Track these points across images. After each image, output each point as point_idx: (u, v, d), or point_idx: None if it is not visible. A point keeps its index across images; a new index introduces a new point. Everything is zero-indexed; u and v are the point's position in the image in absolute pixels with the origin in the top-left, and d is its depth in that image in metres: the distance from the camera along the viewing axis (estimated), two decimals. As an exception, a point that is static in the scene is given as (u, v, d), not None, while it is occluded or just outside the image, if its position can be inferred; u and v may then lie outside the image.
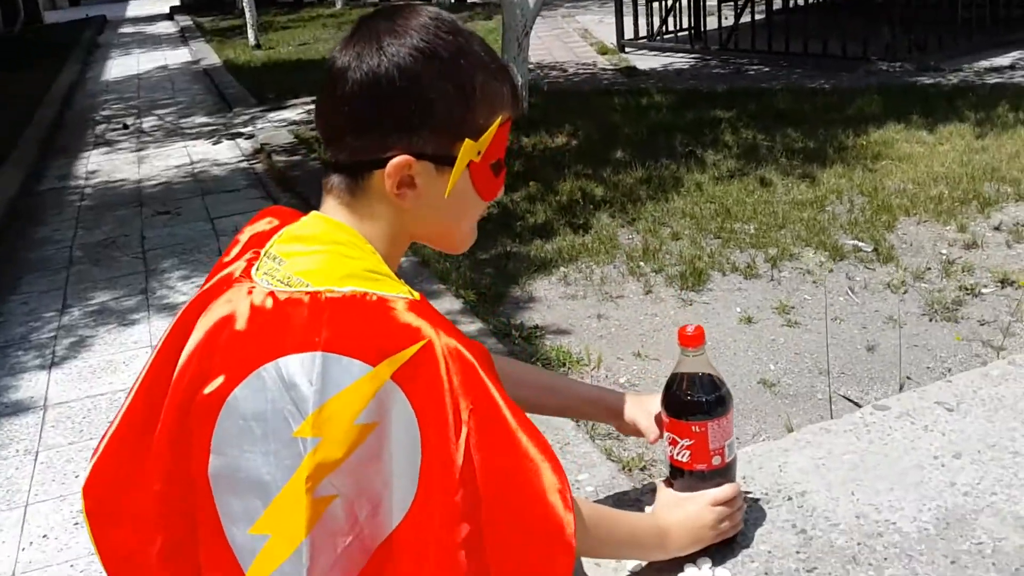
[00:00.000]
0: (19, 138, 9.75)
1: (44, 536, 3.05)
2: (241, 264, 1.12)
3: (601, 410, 1.55)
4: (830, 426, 1.89)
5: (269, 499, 0.97)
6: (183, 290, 5.22)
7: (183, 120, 10.56)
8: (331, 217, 1.10)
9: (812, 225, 5.13)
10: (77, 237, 6.47)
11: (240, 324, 1.02)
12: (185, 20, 22.14)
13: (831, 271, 4.60)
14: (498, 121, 1.12)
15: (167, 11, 25.65)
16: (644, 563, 1.39)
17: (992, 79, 8.32)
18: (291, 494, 0.96)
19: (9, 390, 4.17)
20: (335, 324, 0.96)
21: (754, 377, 3.69)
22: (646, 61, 11.07)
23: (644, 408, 1.52)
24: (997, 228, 4.89)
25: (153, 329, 4.71)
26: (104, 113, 11.62)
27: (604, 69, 10.87)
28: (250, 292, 1.04)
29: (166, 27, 22.18)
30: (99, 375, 4.25)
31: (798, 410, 3.44)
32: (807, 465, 1.70)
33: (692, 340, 1.45)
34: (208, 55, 15.40)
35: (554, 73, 10.69)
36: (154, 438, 1.07)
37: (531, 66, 8.48)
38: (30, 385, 4.21)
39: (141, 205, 7.13)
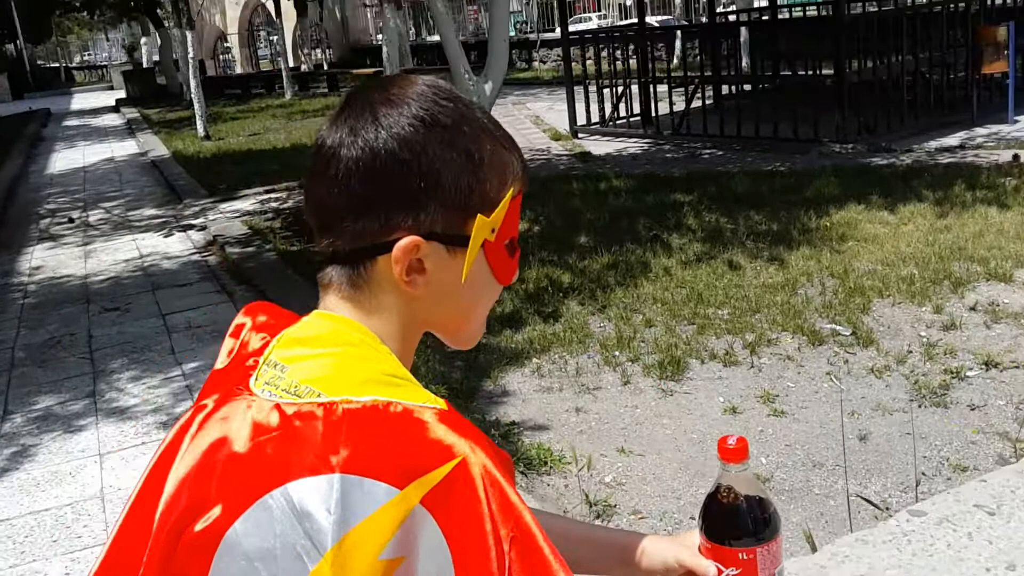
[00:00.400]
0: (-42, 234, 9.43)
1: None
2: (237, 375, 0.97)
3: (639, 558, 1.35)
4: (867, 536, 1.74)
5: None
6: (133, 392, 4.93)
7: (131, 212, 10.33)
8: (336, 314, 0.97)
9: (786, 309, 5.03)
10: (20, 337, 6.17)
11: (239, 445, 0.87)
12: (132, 112, 22.04)
13: (811, 356, 4.48)
14: (510, 194, 1.00)
15: (113, 103, 25.55)
16: None
17: (944, 159, 8.46)
18: None
19: (-58, 509, 3.84)
20: (355, 440, 0.83)
21: (746, 472, 3.51)
22: (600, 146, 11.14)
23: (684, 545, 1.33)
24: (973, 308, 4.84)
25: (101, 435, 4.41)
26: (49, 207, 11.35)
27: (559, 155, 10.90)
28: (250, 407, 0.89)
29: (112, 119, 22.04)
30: (43, 487, 3.94)
31: (797, 507, 3.26)
32: (852, 586, 1.52)
33: (735, 454, 1.28)
34: (156, 146, 15.26)
35: (510, 159, 10.66)
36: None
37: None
38: (-34, 503, 3.88)
39: (88, 302, 6.85)
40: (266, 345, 0.99)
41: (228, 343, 1.06)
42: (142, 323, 6.16)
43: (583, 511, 3.30)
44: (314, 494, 0.82)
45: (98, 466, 4.09)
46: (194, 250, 8.12)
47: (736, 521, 1.25)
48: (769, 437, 3.78)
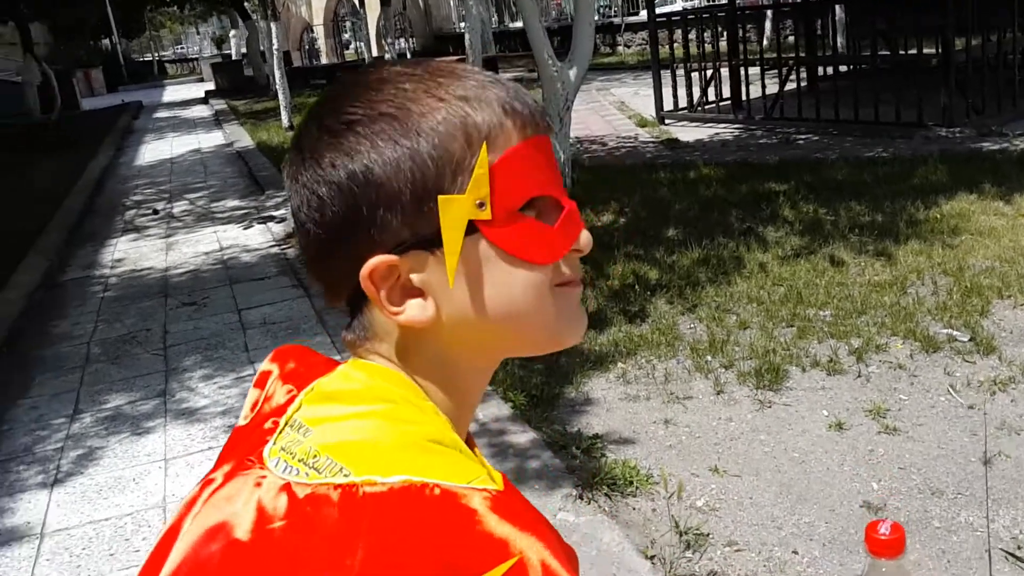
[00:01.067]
0: (47, 225, 9.55)
1: None
2: (254, 438, 0.77)
3: None
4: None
5: None
6: (204, 392, 4.79)
7: (214, 204, 10.33)
8: (374, 363, 0.77)
9: (896, 311, 4.61)
10: (97, 332, 6.12)
11: (241, 534, 0.67)
12: (219, 103, 22.36)
13: (925, 365, 4.07)
14: (485, 150, 0.73)
15: (202, 95, 26.01)
16: None
17: (1064, 143, 7.83)
18: None
19: (4, 513, 3.74)
20: (378, 537, 0.63)
21: (855, 499, 3.16)
22: (688, 132, 10.72)
23: None
24: (1109, 312, 4.35)
25: (168, 439, 4.27)
26: (135, 198, 11.45)
27: (645, 142, 10.52)
28: (259, 484, 0.70)
29: (201, 111, 22.38)
30: (105, 495, 3.80)
31: (914, 542, 2.90)
32: None
33: (889, 547, 0.98)
34: (242, 137, 15.36)
35: (594, 147, 10.35)
36: None
37: (571, 140, 8.11)
38: (28, 507, 3.77)
39: (166, 296, 6.79)
40: (292, 400, 0.78)
41: (252, 395, 0.86)
42: (218, 318, 6.05)
43: (672, 540, 2.99)
44: None
45: (162, 472, 3.94)
46: (273, 242, 8.02)
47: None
48: (880, 458, 3.40)
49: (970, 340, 4.23)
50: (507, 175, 0.72)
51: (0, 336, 6.05)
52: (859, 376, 4.04)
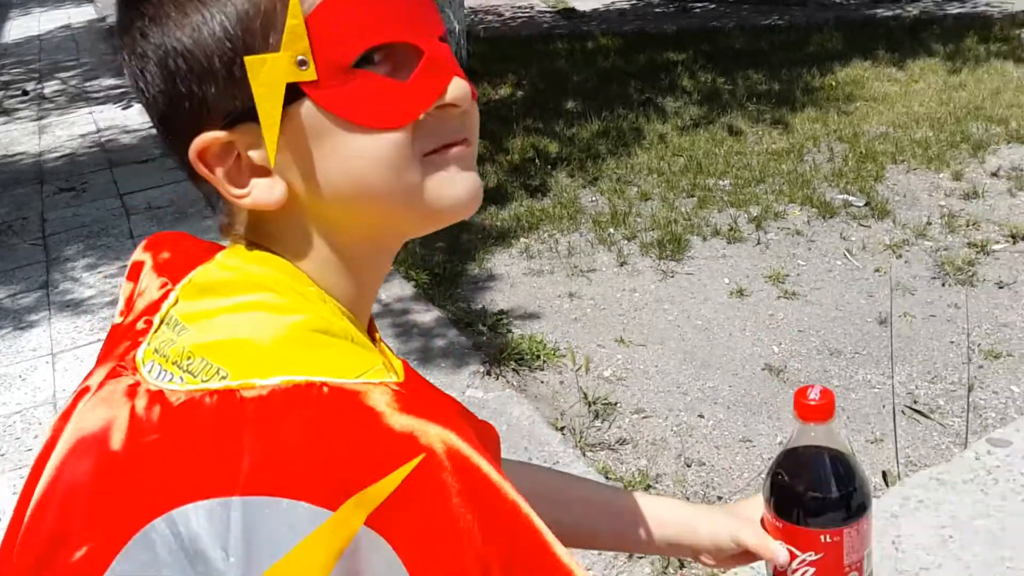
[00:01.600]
0: (-97, 110, 8.84)
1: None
2: (128, 339, 0.69)
3: (679, 532, 1.03)
4: (943, 475, 1.43)
5: None
6: (88, 282, 4.56)
7: (88, 83, 9.70)
8: (253, 250, 0.68)
9: (793, 178, 4.66)
10: (-32, 222, 5.73)
11: (113, 449, 0.60)
12: (88, -26, 20.87)
13: (822, 231, 4.14)
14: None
15: (69, -35, 24.24)
16: None
17: (954, 8, 7.94)
18: None
19: None
20: (262, 444, 0.56)
21: (757, 362, 3.22)
22: (585, 2, 10.49)
23: (742, 518, 1.02)
24: (995, 174, 4.48)
25: (54, 332, 4.06)
26: (2, 79, 10.67)
27: (542, 12, 10.26)
28: (131, 393, 0.62)
29: (68, -18, 20.87)
30: (-11, 393, 3.61)
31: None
32: (931, 539, 1.24)
33: (819, 411, 0.94)
34: (114, 11, 14.39)
35: (489, 18, 10.05)
36: None
37: (466, 11, 7.84)
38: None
39: (42, 182, 6.38)
40: (167, 295, 0.70)
41: (124, 290, 0.78)
42: (99, 204, 5.73)
43: (580, 411, 3.00)
44: (206, 525, 0.56)
45: (50, 367, 3.76)
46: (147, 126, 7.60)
47: (818, 495, 0.94)
48: (780, 322, 3.47)
49: (865, 205, 4.31)
50: (331, 23, 0.60)
51: None
52: (758, 243, 4.08)
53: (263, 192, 0.63)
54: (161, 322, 0.66)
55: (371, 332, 0.72)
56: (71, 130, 7.77)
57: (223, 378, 0.58)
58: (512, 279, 4.00)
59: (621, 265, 4.02)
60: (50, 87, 9.82)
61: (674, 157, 5.12)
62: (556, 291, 3.85)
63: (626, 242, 4.21)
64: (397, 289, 3.82)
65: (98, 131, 7.61)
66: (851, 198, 4.39)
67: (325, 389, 0.57)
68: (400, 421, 0.56)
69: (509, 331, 3.52)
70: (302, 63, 0.60)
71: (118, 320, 0.75)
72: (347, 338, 0.62)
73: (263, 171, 0.63)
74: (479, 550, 0.57)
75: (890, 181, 4.56)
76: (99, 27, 13.44)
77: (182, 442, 0.57)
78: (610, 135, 5.55)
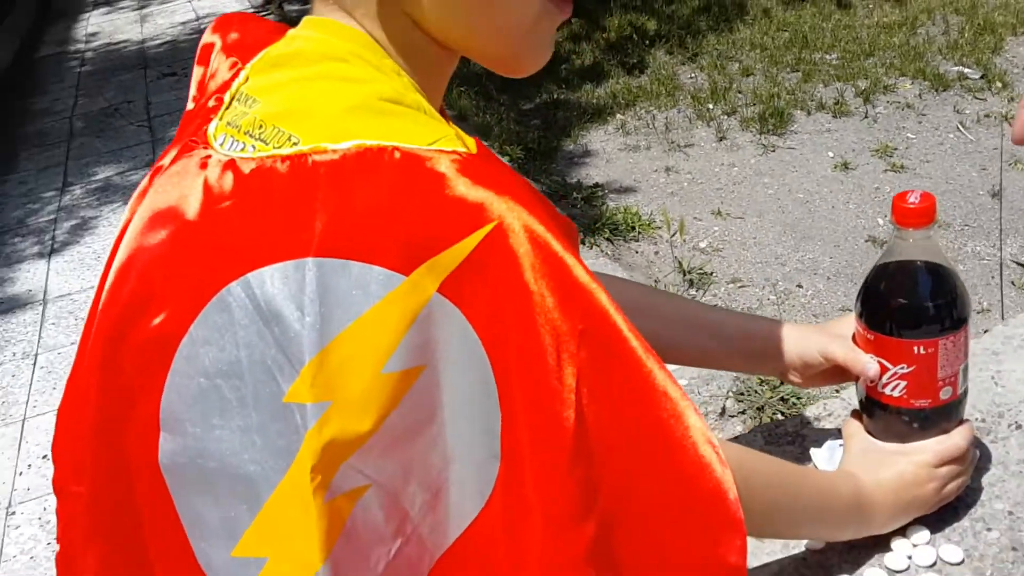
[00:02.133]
0: (13, 4, 9.09)
1: (44, 457, 2.63)
2: (199, 118, 0.67)
3: (766, 346, 1.00)
4: (1047, 317, 1.36)
5: (259, 503, 0.60)
6: (193, 160, 4.68)
7: (187, -28, 9.79)
8: (329, 19, 0.66)
9: (905, 51, 4.43)
10: (78, 106, 5.92)
11: (188, 218, 0.61)
12: None
13: (934, 104, 3.95)
14: None
15: None
16: (821, 544, 0.91)
17: None
18: (292, 494, 0.59)
19: (5, 283, 3.73)
20: (335, 207, 0.56)
21: (860, 235, 3.13)
22: None
23: (832, 334, 0.98)
24: None
25: (162, 206, 4.20)
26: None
27: None
28: (204, 165, 0.62)
29: None
30: (103, 261, 3.76)
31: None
32: (1034, 375, 1.18)
33: (917, 216, 0.90)
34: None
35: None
36: (76, 406, 0.67)
37: None
38: (28, 277, 3.76)
39: (145, 68, 6.53)
40: (237, 73, 0.68)
41: (195, 74, 0.75)
42: (201, 88, 5.85)
43: (675, 280, 2.98)
44: (282, 287, 0.56)
45: (159, 238, 3.90)
46: (251, 8, 7.65)
47: (913, 304, 0.91)
48: (886, 195, 3.35)
49: (981, 77, 4.08)
50: None
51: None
52: (866, 117, 3.92)
53: None
54: (232, 99, 0.66)
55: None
56: (172, 18, 7.88)
57: (295, 144, 0.57)
58: (607, 155, 3.94)
59: (720, 140, 3.92)
60: (150, -22, 9.94)
61: (778, 32, 4.92)
62: (652, 166, 3.79)
63: (726, 117, 4.10)
64: (492, 163, 3.82)
65: (197, 19, 7.71)
66: (967, 70, 4.16)
67: (397, 154, 0.55)
68: (472, 189, 0.55)
69: (604, 203, 3.49)
70: None
71: (190, 107, 0.74)
72: (420, 110, 0.60)
73: None
74: (552, 321, 0.56)
75: (1009, 53, 4.31)
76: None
77: (256, 207, 0.58)
78: (711, 11, 5.36)
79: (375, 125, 0.57)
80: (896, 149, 3.63)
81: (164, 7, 8.40)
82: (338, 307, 0.55)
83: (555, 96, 4.52)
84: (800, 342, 0.96)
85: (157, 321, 0.60)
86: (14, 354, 3.21)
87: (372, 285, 0.54)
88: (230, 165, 0.60)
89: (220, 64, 0.72)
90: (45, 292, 3.61)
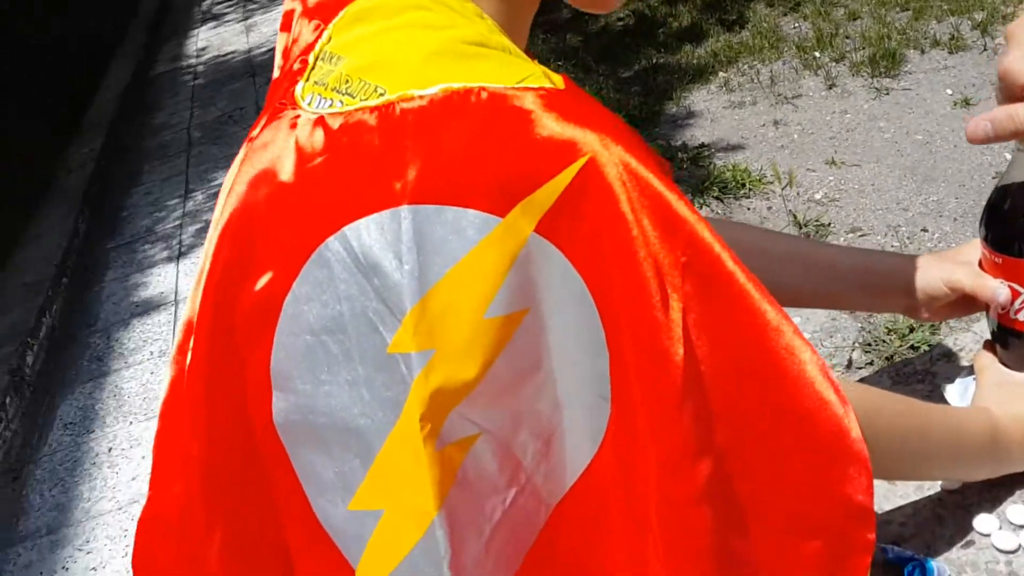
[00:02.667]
0: (127, 28, 9.51)
1: (187, 449, 2.75)
2: (286, 83, 0.66)
3: (887, 280, 0.95)
4: None
5: (371, 455, 0.60)
6: (304, 158, 4.81)
7: (286, -19, 10.04)
8: None
9: (1025, -24, 4.18)
10: (194, 117, 6.16)
11: (284, 178, 0.60)
12: None
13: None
14: None
15: None
16: (957, 484, 0.86)
17: None
18: (402, 445, 0.58)
19: (139, 288, 3.91)
20: (425, 153, 0.55)
21: (987, 172, 2.97)
22: None
23: (957, 262, 0.92)
24: None
25: (278, 205, 4.33)
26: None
27: None
28: (294, 125, 0.61)
29: None
30: (228, 261, 3.92)
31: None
32: None
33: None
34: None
35: None
36: (186, 372, 0.66)
37: None
38: (159, 280, 3.93)
39: (254, 76, 6.73)
40: (320, 34, 0.67)
41: (280, 42, 0.75)
42: (307, 90, 5.99)
43: (792, 233, 2.90)
44: (379, 237, 0.55)
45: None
46: None
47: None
48: (1013, 128, 3.17)
49: (1112, -5, 3.82)
50: None
51: (102, 133, 6.16)
52: (985, 50, 3.72)
53: None
54: (316, 59, 0.65)
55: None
56: (274, 26, 8.07)
57: (381, 95, 0.56)
58: (712, 114, 3.86)
59: (829, 88, 3.78)
60: (253, -11, 10.24)
61: (884, -28, 4.71)
62: (759, 121, 3.69)
63: (834, 64, 3.95)
64: (594, 133, 3.79)
65: (299, 23, 7.90)
66: (1095, -11, 3.90)
67: (484, 94, 0.54)
68: (561, 124, 0.53)
69: (711, 163, 3.41)
70: None
71: (276, 75, 0.73)
72: (504, 51, 0.59)
73: None
74: (655, 254, 0.54)
75: None
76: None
77: (346, 161, 0.57)
78: (811, -42, 5.17)
79: (460, 68, 0.56)
80: (1021, 79, 3.42)
81: (267, 16, 8.65)
82: (436, 253, 0.54)
83: (654, 61, 4.45)
84: (923, 273, 0.90)
85: (262, 283, 0.60)
86: (151, 353, 3.37)
87: (468, 229, 0.53)
88: (320, 122, 0.59)
89: (303, 28, 0.71)
90: (176, 293, 3.77)
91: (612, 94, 4.14)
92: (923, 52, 3.83)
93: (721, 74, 4.17)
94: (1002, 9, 3.96)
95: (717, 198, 3.14)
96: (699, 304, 0.54)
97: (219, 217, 0.64)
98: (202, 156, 5.34)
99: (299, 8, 0.72)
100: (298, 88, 0.63)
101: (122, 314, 3.72)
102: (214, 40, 8.32)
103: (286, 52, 0.73)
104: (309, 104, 0.61)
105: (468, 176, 0.53)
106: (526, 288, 0.54)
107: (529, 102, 0.54)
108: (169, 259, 4.11)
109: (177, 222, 4.48)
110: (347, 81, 0.59)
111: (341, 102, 0.58)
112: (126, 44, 8.86)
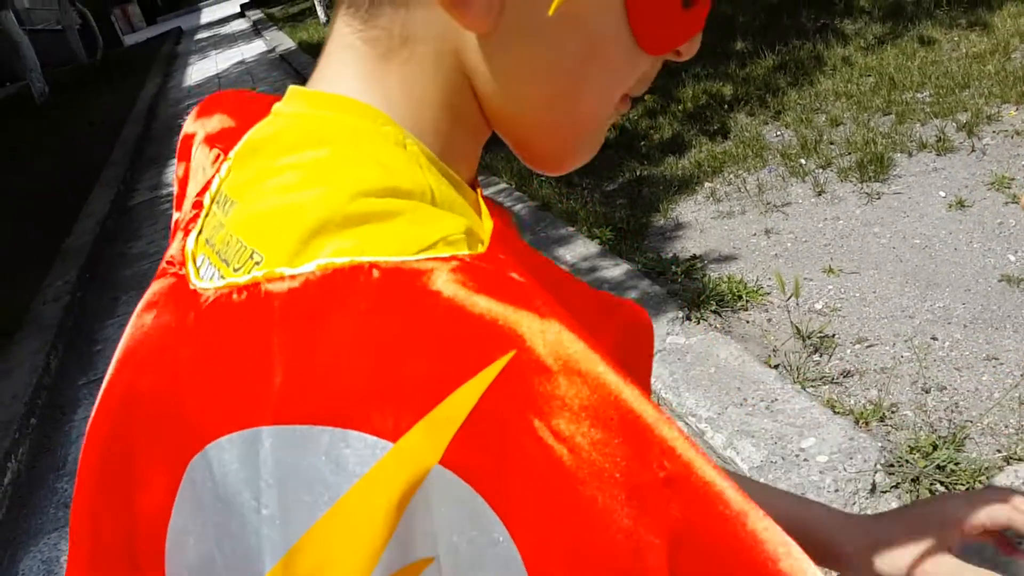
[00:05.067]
0: (108, 157, 9.53)
1: None
2: (180, 232, 0.55)
3: (818, 548, 0.76)
4: None
5: None
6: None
7: (265, 108, 10.16)
8: (323, 91, 0.50)
9: (1003, 77, 4.18)
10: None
11: (159, 366, 0.48)
12: (256, 14, 22.03)
13: (1047, 126, 3.68)
14: None
15: (238, 9, 25.70)
16: None
17: None
18: None
19: (110, 428, 3.71)
20: (293, 352, 0.41)
21: (991, 275, 2.86)
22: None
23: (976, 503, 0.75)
24: None
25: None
26: (188, 118, 11.36)
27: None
28: (175, 296, 0.49)
29: (239, 24, 22.09)
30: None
31: (1068, 307, 2.61)
32: None
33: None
34: (283, 41, 15.09)
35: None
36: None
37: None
38: (132, 419, 3.73)
39: (233, 201, 6.69)
40: (219, 168, 0.54)
41: (177, 172, 0.65)
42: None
43: (795, 346, 2.76)
44: (236, 467, 0.41)
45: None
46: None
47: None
48: (1012, 229, 3.08)
49: (1094, 93, 3.80)
50: None
51: (79, 264, 6.05)
52: (973, 151, 3.67)
53: (476, 13, 0.45)
54: (212, 201, 0.52)
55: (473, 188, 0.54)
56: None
57: (257, 263, 0.43)
58: (701, 224, 3.77)
59: (819, 194, 3.71)
60: (233, 118, 10.34)
61: (862, 78, 4.73)
62: (750, 230, 3.60)
63: (821, 170, 3.89)
64: (581, 248, 3.68)
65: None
66: (1077, 87, 3.89)
67: (375, 272, 0.40)
68: (477, 309, 0.39)
69: (705, 275, 3.30)
70: None
71: (176, 215, 0.61)
72: (424, 195, 0.44)
73: None
74: (619, 478, 0.37)
75: (1121, 63, 4.01)
76: (270, 58, 14.10)
77: (212, 355, 0.44)
78: (788, 67, 5.20)
79: (351, 235, 0.42)
80: (1014, 179, 3.36)
81: (247, 142, 8.69)
82: (305, 492, 0.39)
83: (638, 173, 4.39)
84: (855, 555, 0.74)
85: (147, 498, 0.47)
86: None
87: (349, 459, 0.39)
88: (193, 299, 0.46)
89: (202, 158, 0.60)
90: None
91: (598, 207, 4.06)
92: (911, 155, 3.78)
93: (707, 184, 4.11)
94: (986, 110, 3.94)
95: (715, 312, 3.00)
96: (691, 536, 0.38)
97: (109, 374, 0.51)
98: (180, 285, 5.21)
99: (200, 133, 0.62)
100: (189, 242, 0.51)
101: (91, 457, 3.51)
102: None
103: (182, 185, 0.62)
104: (199, 266, 0.48)
105: (348, 385, 0.39)
106: (427, 535, 0.39)
107: (437, 279, 0.39)
108: (143, 395, 3.93)
109: (152, 355, 4.32)
110: (228, 242, 0.46)
111: (219, 271, 0.46)
112: (106, 173, 8.85)
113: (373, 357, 0.38)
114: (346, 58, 0.49)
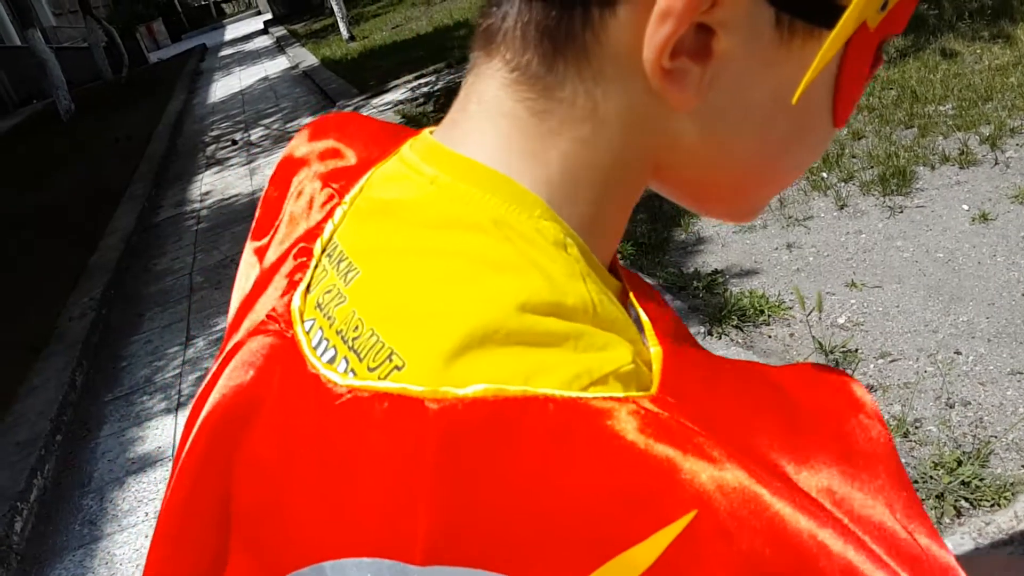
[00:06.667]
0: (134, 173, 9.63)
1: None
2: (277, 284, 0.49)
3: None
4: None
5: None
6: (307, 299, 4.71)
7: (289, 124, 10.23)
8: (487, 145, 0.43)
9: (1027, 90, 4.16)
10: (196, 262, 6.11)
11: (266, 443, 0.44)
12: (279, 30, 22.24)
13: (1072, 139, 3.66)
14: None
15: (262, 26, 25.96)
16: None
17: None
18: None
19: (135, 442, 3.75)
20: (455, 485, 0.36)
21: (1016, 288, 2.84)
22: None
23: None
24: None
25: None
26: (213, 133, 11.46)
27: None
28: (282, 362, 0.45)
29: (263, 41, 22.31)
30: (228, 411, 3.76)
31: (1095, 321, 2.59)
32: None
33: None
34: (305, 57, 15.22)
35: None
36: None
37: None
38: (156, 434, 3.77)
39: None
40: (332, 213, 0.49)
41: (269, 192, 0.58)
42: (309, 230, 5.96)
43: (818, 361, 2.74)
44: None
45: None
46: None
47: None
48: (1037, 242, 3.06)
49: (1119, 104, 3.78)
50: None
51: (104, 280, 6.11)
52: (996, 164, 3.65)
53: (684, 85, 0.40)
54: (323, 251, 0.48)
55: (614, 270, 0.47)
56: (278, 167, 8.18)
57: (397, 368, 0.39)
58: (722, 239, 3.77)
59: (841, 208, 3.70)
60: (255, 134, 10.44)
61: (883, 91, 4.71)
62: (772, 244, 3.59)
63: (843, 184, 3.88)
64: (603, 263, 3.68)
65: (301, 164, 7.97)
66: (1101, 99, 3.86)
67: (551, 406, 0.36)
68: (660, 454, 0.35)
69: (726, 290, 3.29)
70: (883, 7, 0.40)
71: (257, 243, 0.56)
72: (586, 312, 0.40)
73: (702, 54, 0.40)
74: None
75: None
76: (293, 74, 14.22)
77: (340, 463, 0.40)
78: (808, 81, 5.19)
79: (513, 356, 0.38)
80: (1038, 192, 3.34)
81: (270, 159, 8.76)
82: None
83: (659, 188, 4.39)
84: None
85: None
86: (146, 514, 3.18)
87: None
88: (315, 385, 0.42)
89: (312, 191, 0.53)
90: (172, 448, 3.60)
91: (618, 223, 4.06)
92: (933, 168, 3.77)
93: (728, 198, 4.10)
94: (1009, 123, 3.92)
95: (736, 327, 3.00)
96: None
97: (198, 427, 0.47)
98: (204, 301, 5.25)
99: (312, 162, 0.56)
100: (295, 300, 0.46)
101: (117, 472, 3.54)
102: (218, 184, 8.39)
103: (269, 208, 0.57)
104: (308, 333, 0.44)
105: (513, 527, 0.35)
106: None
107: (618, 420, 0.35)
108: (167, 410, 3.96)
109: (176, 371, 4.35)
110: (357, 327, 0.41)
111: (347, 360, 0.41)
112: (131, 189, 8.94)
113: (546, 498, 0.35)
114: (502, 128, 0.43)
